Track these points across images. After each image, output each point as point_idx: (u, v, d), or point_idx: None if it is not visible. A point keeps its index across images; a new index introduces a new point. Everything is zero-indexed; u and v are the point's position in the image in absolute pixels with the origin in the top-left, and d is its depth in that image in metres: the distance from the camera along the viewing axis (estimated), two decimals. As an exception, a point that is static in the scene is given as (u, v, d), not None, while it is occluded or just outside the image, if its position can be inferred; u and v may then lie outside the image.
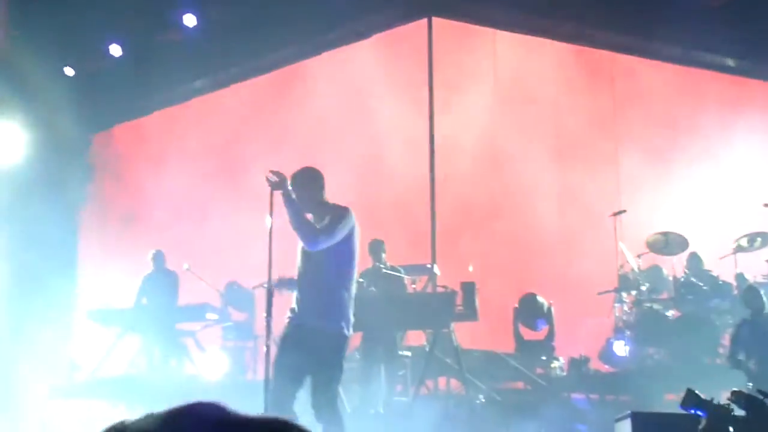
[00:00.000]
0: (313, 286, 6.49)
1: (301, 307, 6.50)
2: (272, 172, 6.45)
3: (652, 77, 13.49)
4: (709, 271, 10.96)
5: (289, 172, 6.55)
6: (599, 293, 11.72)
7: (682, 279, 10.84)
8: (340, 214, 6.48)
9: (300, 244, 6.54)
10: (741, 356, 8.86)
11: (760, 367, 8.67)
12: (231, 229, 12.82)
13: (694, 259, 10.99)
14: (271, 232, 6.44)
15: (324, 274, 6.47)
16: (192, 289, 12.04)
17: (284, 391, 6.35)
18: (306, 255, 6.52)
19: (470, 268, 11.63)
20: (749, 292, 9.23)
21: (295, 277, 6.62)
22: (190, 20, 12.76)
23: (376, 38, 14.01)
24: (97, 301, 11.92)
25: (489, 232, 14.09)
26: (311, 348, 6.34)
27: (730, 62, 12.94)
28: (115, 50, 13.07)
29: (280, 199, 6.43)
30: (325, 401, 6.37)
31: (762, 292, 9.24)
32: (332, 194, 6.72)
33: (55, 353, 11.88)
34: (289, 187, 6.45)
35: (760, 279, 10.54)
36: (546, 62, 14.03)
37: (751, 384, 8.35)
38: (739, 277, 10.69)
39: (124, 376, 11.38)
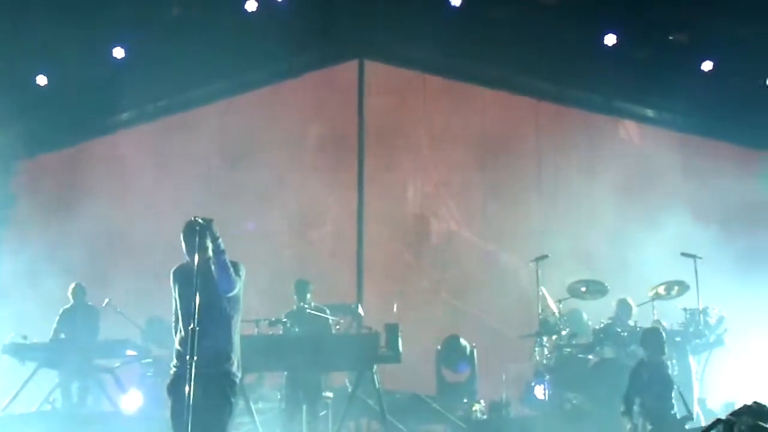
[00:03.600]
0: (219, 331, 6.52)
1: (209, 351, 6.39)
2: (198, 217, 6.51)
3: (574, 124, 13.78)
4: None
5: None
6: (520, 337, 11.78)
7: (602, 324, 10.96)
8: (239, 264, 6.69)
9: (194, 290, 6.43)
10: (636, 400, 8.89)
11: (658, 404, 8.75)
12: (151, 263, 12.64)
13: (624, 306, 11.10)
14: (196, 271, 6.37)
15: (230, 320, 6.59)
16: (112, 324, 11.82)
17: None
18: (210, 300, 6.47)
19: (395, 309, 11.67)
20: (651, 333, 9.27)
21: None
22: (118, 53, 12.68)
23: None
24: (13, 333, 11.60)
25: (415, 272, 14.18)
26: (210, 390, 6.34)
27: (650, 113, 13.30)
28: (41, 80, 12.92)
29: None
30: None
31: (663, 336, 9.32)
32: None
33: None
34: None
35: (676, 327, 10.74)
36: (472, 108, 14.22)
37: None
38: (656, 324, 10.82)
39: (39, 413, 11.07)
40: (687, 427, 8.72)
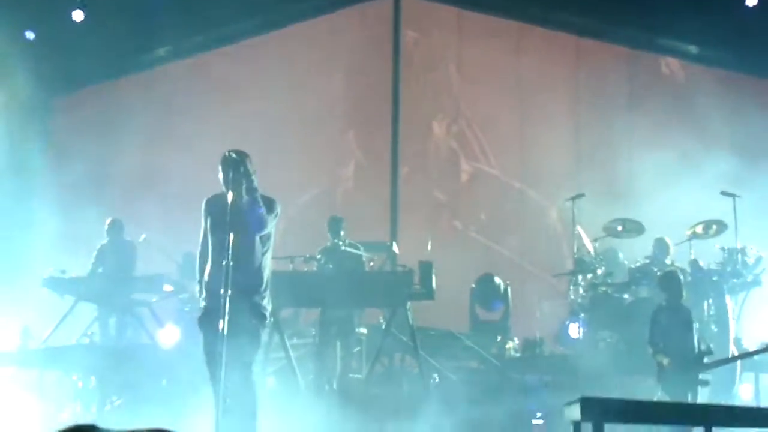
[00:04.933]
0: (249, 265, 6.56)
1: (240, 286, 6.40)
2: (232, 150, 6.53)
3: (614, 59, 13.53)
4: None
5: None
6: (555, 275, 11.78)
7: (638, 264, 10.89)
8: (275, 202, 6.69)
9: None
10: (659, 342, 8.82)
11: (679, 348, 8.68)
12: (189, 198, 12.71)
13: (661, 245, 10.96)
14: (232, 205, 6.39)
15: (261, 255, 6.63)
16: (150, 259, 11.93)
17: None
18: (241, 235, 6.47)
19: (428, 247, 11.67)
20: (669, 277, 9.13)
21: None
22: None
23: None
24: (52, 268, 11.75)
25: (448, 212, 14.15)
26: (239, 323, 6.35)
27: (693, 49, 13.03)
28: (78, 15, 12.88)
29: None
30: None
31: (681, 279, 9.19)
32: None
33: (7, 320, 11.72)
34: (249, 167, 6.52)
35: (713, 266, 10.63)
36: (508, 45, 14.02)
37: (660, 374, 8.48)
38: (693, 264, 10.71)
39: (78, 346, 11.24)
40: (705, 360, 8.64)
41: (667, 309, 8.81)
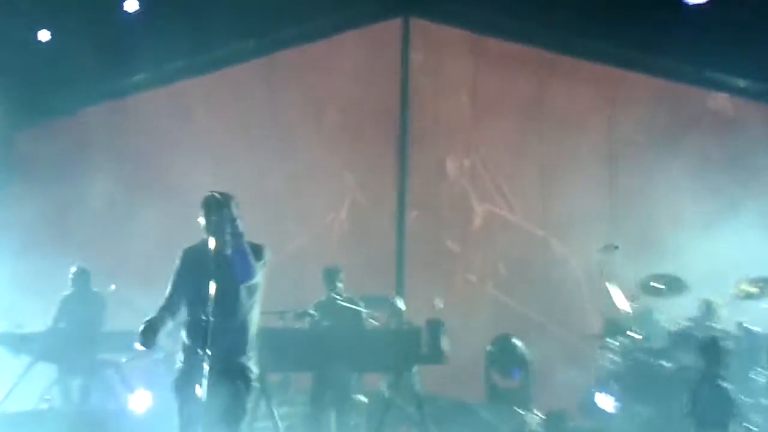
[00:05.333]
0: (234, 322, 6.50)
1: (222, 345, 6.30)
2: (215, 191, 6.52)
3: (652, 93, 13.44)
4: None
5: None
6: (583, 337, 11.69)
7: (679, 327, 10.73)
8: (263, 248, 6.66)
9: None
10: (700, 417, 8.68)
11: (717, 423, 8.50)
12: (163, 246, 12.58)
13: (708, 307, 10.86)
14: (214, 252, 6.32)
15: (247, 311, 6.59)
16: (118, 313, 11.77)
17: None
18: (225, 287, 6.32)
19: (439, 304, 11.56)
20: (710, 344, 9.00)
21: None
22: (131, 5, 12.59)
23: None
24: (6, 321, 11.61)
25: (462, 264, 14.02)
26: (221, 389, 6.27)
27: (741, 83, 12.94)
28: (44, 35, 12.85)
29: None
30: None
31: (722, 347, 9.03)
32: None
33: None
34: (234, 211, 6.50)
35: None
36: (529, 75, 13.95)
37: None
38: (742, 327, 10.58)
39: (35, 412, 11.08)
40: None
41: (709, 379, 8.67)
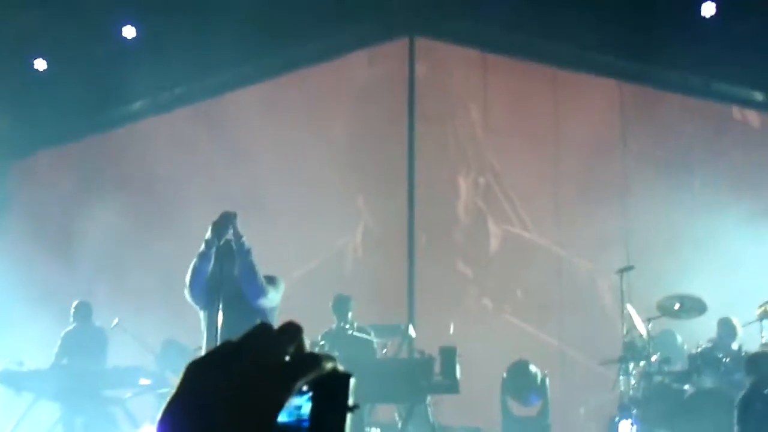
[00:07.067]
0: None
1: None
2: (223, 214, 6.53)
3: (669, 108, 13.40)
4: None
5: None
6: (601, 363, 11.57)
7: (700, 348, 10.65)
8: (277, 278, 6.76)
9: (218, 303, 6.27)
10: None
11: None
12: (169, 276, 12.55)
13: (727, 326, 10.78)
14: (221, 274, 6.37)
15: None
16: (120, 349, 11.74)
17: None
18: (238, 315, 6.26)
19: (451, 330, 11.49)
20: (761, 357, 8.96)
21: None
22: (129, 32, 12.60)
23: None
24: (7, 360, 11.56)
25: (475, 288, 13.95)
26: None
27: (759, 96, 12.90)
28: (40, 64, 12.89)
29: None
30: None
31: None
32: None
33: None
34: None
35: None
36: (542, 92, 13.94)
37: None
38: (765, 347, 10.50)
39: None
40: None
41: (760, 396, 8.56)
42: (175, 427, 1.10)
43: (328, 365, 1.12)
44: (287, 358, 1.12)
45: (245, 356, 1.12)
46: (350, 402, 1.13)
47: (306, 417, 1.10)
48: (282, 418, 1.09)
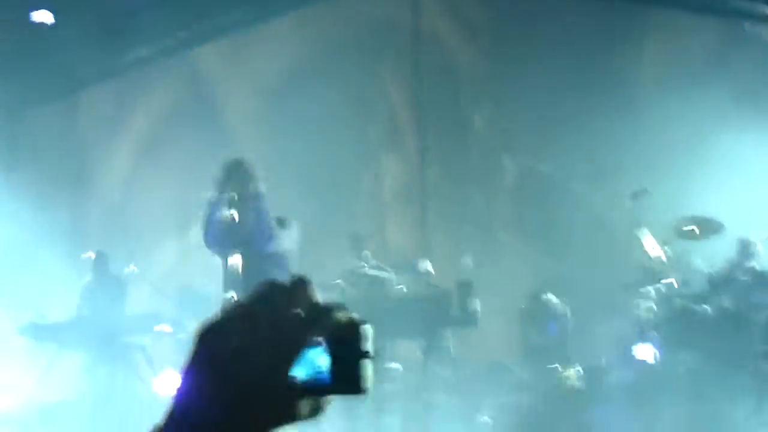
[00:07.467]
0: None
1: None
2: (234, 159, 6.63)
3: (684, 27, 13.27)
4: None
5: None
6: (618, 288, 11.55)
7: (718, 269, 10.66)
8: (288, 221, 6.79)
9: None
10: None
11: None
12: (180, 225, 12.60)
13: (745, 246, 10.72)
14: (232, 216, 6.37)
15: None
16: (139, 296, 11.84)
17: None
18: (249, 261, 6.26)
19: (468, 263, 11.53)
20: None
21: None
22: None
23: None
24: (29, 313, 11.67)
25: (491, 218, 13.96)
26: None
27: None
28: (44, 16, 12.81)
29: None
30: None
31: None
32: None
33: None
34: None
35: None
36: (551, 17, 13.79)
37: None
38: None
39: (63, 402, 11.12)
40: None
41: None
42: (193, 394, 1.13)
43: (341, 315, 1.14)
44: (299, 310, 1.13)
45: (257, 316, 1.13)
46: (368, 349, 1.14)
47: (323, 369, 1.11)
48: (299, 372, 1.10)
